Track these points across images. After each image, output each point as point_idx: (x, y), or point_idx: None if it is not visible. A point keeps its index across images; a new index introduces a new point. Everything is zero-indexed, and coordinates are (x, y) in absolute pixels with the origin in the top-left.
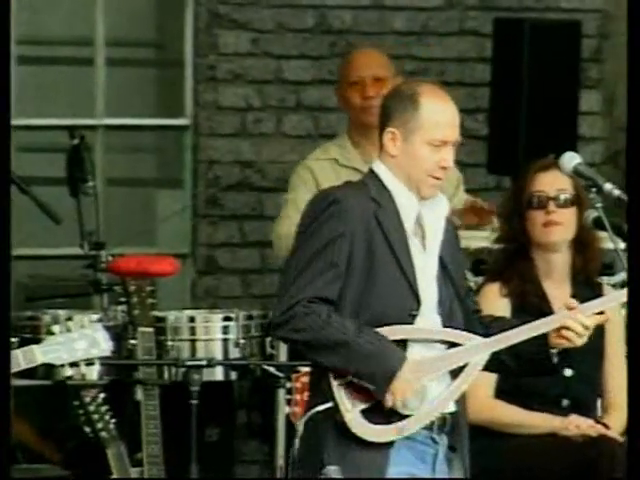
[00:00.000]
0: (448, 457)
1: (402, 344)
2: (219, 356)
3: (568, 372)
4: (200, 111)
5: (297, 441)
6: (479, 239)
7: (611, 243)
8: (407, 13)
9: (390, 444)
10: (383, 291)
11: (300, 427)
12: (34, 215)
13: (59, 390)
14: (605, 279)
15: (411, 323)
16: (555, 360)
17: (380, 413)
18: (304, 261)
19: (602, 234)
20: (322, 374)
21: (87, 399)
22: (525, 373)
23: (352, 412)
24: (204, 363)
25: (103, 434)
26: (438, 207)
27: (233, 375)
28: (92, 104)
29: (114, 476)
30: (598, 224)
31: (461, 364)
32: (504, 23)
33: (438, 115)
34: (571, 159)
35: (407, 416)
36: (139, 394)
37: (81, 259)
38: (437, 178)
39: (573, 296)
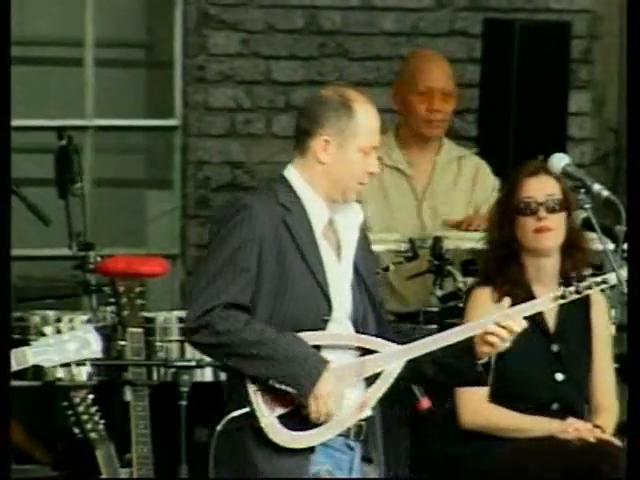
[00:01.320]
0: (363, 468)
1: (316, 350)
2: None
3: (560, 377)
4: (189, 112)
5: (213, 446)
6: (468, 240)
7: (600, 244)
8: (397, 14)
9: (309, 450)
10: (295, 295)
11: (216, 433)
12: (23, 216)
13: (48, 391)
14: None
15: (323, 328)
16: (479, 369)
17: (297, 419)
18: (216, 267)
19: (591, 235)
20: (239, 379)
21: (76, 400)
22: (451, 385)
23: (269, 418)
24: (193, 364)
25: (92, 435)
26: (352, 214)
27: (222, 376)
28: (81, 105)
29: (103, 477)
30: (587, 225)
31: (377, 371)
32: (494, 24)
33: (370, 122)
34: (560, 160)
35: (323, 423)
36: (128, 395)
37: (70, 260)
38: (362, 184)
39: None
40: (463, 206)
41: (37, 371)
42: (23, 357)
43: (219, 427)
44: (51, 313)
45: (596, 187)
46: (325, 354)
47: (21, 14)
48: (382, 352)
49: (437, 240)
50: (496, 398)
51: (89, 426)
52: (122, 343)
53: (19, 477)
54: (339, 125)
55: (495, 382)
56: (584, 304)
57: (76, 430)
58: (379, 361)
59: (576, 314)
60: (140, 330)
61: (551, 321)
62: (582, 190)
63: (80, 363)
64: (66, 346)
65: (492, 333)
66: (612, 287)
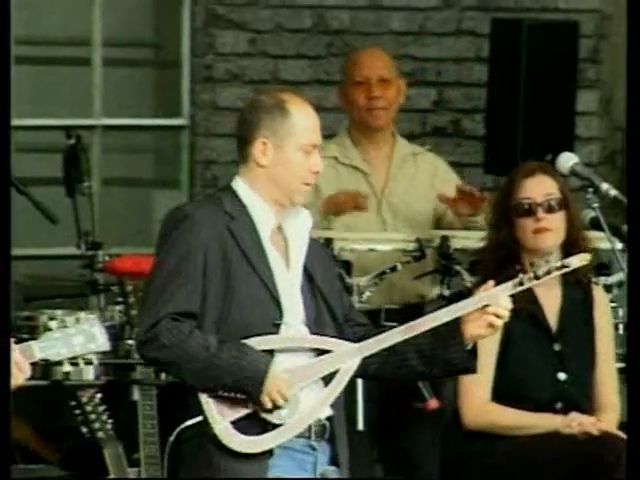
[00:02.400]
0: (330, 470)
1: (269, 354)
2: None
3: (562, 376)
4: (197, 111)
5: (167, 457)
6: (476, 240)
7: (608, 243)
8: (404, 13)
9: (269, 454)
10: (243, 302)
11: (169, 444)
12: (31, 215)
13: (56, 390)
14: (602, 279)
15: (275, 333)
16: (467, 353)
17: (252, 424)
18: (163, 278)
19: (599, 234)
20: (189, 388)
21: (84, 399)
22: (439, 375)
23: (222, 424)
24: None
25: (100, 434)
26: (300, 219)
27: None
28: (89, 104)
29: (111, 476)
30: (595, 224)
31: (332, 370)
32: (501, 23)
33: (306, 120)
34: (568, 159)
35: (279, 426)
36: (136, 394)
37: (78, 259)
38: (308, 184)
39: (563, 297)
40: (423, 201)
41: (45, 370)
42: (30, 352)
43: (171, 438)
44: (59, 312)
45: (604, 186)
46: (278, 357)
47: (29, 14)
48: (336, 351)
49: (444, 239)
50: (499, 399)
51: (97, 425)
52: (130, 342)
53: (27, 476)
54: (274, 126)
55: (497, 382)
56: (586, 303)
57: (84, 429)
58: (333, 360)
59: (578, 313)
60: None
61: (553, 320)
62: (590, 189)
63: (88, 361)
64: (72, 340)
65: (489, 313)
66: (619, 285)
